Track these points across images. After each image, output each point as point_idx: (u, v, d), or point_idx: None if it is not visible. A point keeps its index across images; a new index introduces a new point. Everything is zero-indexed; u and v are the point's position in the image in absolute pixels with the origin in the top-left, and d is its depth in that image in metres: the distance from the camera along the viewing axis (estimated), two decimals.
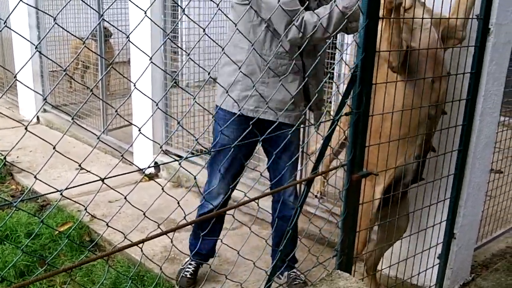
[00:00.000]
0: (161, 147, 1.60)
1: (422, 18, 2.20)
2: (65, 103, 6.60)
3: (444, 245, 2.74)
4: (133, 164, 4.63)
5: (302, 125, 3.10)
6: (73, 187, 1.39)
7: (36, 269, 3.23)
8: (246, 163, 2.92)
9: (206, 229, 2.49)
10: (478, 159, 2.71)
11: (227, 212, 2.36)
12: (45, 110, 6.54)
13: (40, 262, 3.28)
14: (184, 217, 1.69)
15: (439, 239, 2.72)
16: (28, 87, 1.84)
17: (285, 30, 2.45)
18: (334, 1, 2.36)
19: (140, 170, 1.49)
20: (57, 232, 3.59)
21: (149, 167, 4.61)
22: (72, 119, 1.31)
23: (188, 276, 3.03)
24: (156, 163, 4.73)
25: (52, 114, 6.48)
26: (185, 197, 2.07)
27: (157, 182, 4.53)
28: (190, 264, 3.07)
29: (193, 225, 2.97)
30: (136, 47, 1.54)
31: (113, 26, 1.40)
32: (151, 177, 4.74)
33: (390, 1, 2.04)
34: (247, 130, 2.08)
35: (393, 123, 2.26)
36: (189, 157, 2.11)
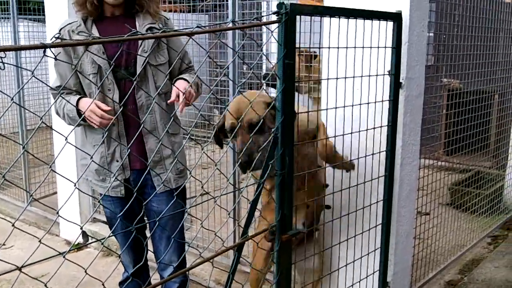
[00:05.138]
0: (80, 227, 1.53)
1: None
2: None
3: None
4: (60, 234, 4.43)
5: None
6: None
7: None
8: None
9: None
10: (403, 207, 2.79)
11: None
12: None
13: None
14: None
15: None
16: None
17: None
18: None
19: (61, 254, 1.41)
20: None
21: (69, 249, 4.42)
22: None
23: None
24: (84, 233, 4.54)
25: None
26: (116, 266, 1.99)
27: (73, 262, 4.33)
28: None
29: None
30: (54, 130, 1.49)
31: (25, 108, 1.35)
32: (80, 247, 4.53)
33: None
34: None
35: None
36: (114, 235, 2.04)
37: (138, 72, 2.47)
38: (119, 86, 2.50)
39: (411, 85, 2.66)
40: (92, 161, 2.18)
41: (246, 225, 2.01)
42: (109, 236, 1.70)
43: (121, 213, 2.27)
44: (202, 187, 1.77)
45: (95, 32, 2.50)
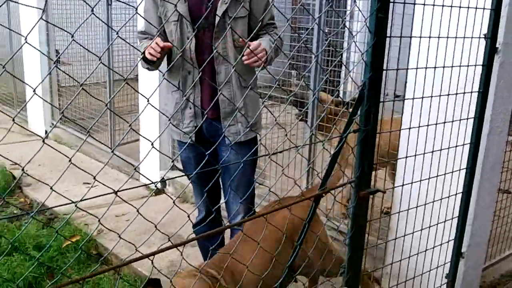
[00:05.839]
0: (172, 161, 1.61)
1: None
2: (73, 118, 6.66)
3: (452, 265, 2.71)
4: (140, 179, 4.65)
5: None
6: (87, 199, 1.39)
7: (44, 281, 3.25)
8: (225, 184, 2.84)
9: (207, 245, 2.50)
10: (486, 178, 2.70)
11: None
12: (53, 125, 6.61)
13: (48, 274, 3.31)
14: (194, 232, 1.72)
15: (447, 258, 2.71)
16: (46, 101, 1.87)
17: None
18: None
19: (148, 185, 1.50)
20: (65, 245, 3.63)
21: (160, 181, 4.63)
22: (88, 132, 1.33)
23: None
24: (163, 178, 4.74)
25: (60, 129, 6.54)
26: (191, 212, 2.08)
27: (167, 195, 4.53)
28: None
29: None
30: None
31: (127, 42, 1.42)
32: (157, 192, 4.75)
33: None
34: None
35: None
36: (197, 172, 2.15)
37: (216, 23, 2.51)
38: (197, 36, 2.55)
39: (508, 51, 2.53)
40: (187, 99, 2.24)
41: (325, 177, 2.03)
42: (183, 175, 1.78)
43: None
44: (286, 134, 1.80)
45: None
